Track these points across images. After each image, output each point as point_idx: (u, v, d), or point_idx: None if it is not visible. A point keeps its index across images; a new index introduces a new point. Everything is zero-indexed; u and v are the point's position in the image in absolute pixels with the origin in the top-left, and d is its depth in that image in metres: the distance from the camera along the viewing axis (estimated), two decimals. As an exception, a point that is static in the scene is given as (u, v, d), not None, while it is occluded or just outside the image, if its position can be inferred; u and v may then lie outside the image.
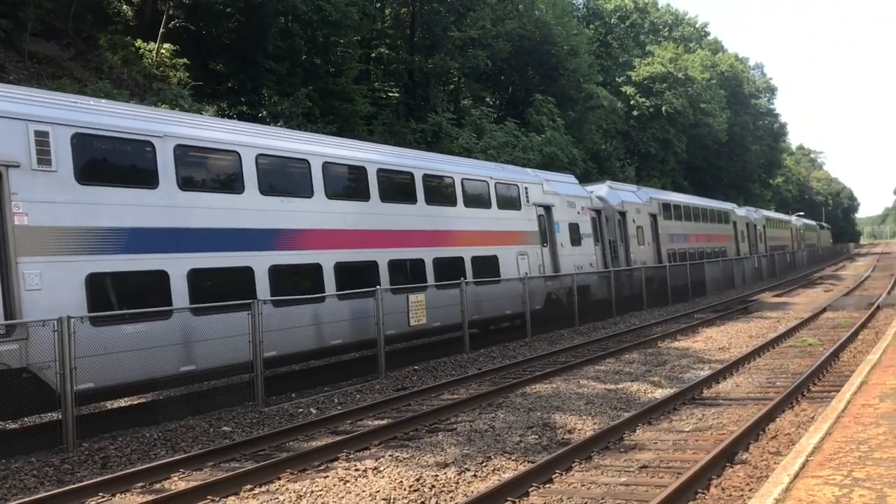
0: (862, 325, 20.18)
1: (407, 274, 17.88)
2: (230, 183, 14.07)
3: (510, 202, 22.23)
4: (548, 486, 8.01)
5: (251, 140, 14.68)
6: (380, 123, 32.88)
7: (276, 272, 14.27)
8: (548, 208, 23.92)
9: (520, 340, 20.79)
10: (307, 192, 15.47)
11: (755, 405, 11.39)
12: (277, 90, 27.30)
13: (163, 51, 25.15)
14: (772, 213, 67.57)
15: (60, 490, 8.44)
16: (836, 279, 46.72)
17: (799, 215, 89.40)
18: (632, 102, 58.25)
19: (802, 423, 9.95)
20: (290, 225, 14.84)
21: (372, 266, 16.71)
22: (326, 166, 16.01)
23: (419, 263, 18.27)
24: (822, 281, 44.96)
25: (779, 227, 65.12)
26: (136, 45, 24.80)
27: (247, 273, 13.78)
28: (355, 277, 16.03)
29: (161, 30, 25.26)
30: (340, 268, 15.72)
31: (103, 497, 8.36)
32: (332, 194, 16.05)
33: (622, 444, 9.55)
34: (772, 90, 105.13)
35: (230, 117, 25.50)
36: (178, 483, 8.88)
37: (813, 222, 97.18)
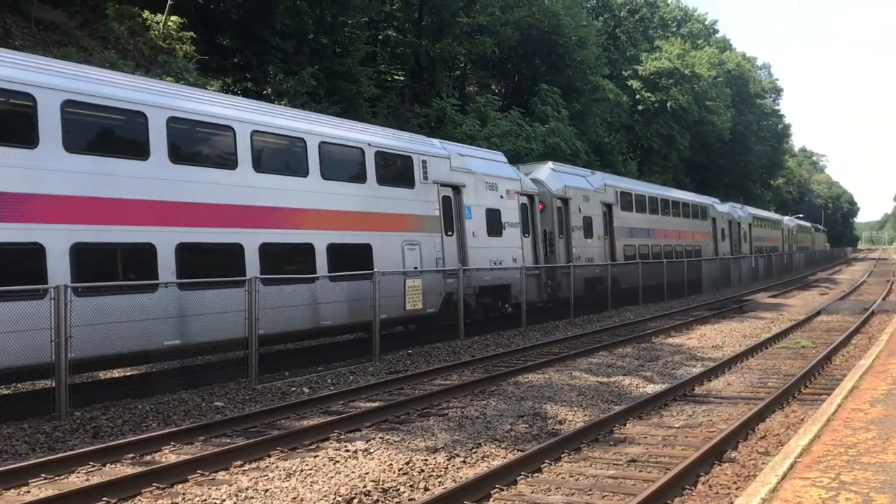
0: (856, 329, 20.23)
1: (214, 266, 13.26)
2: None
3: (398, 178, 17.87)
4: (536, 475, 8.05)
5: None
6: (384, 106, 32.76)
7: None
8: (457, 189, 19.66)
9: (514, 329, 20.83)
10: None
11: (746, 404, 11.44)
12: (283, 68, 27.17)
13: (170, 23, 24.99)
14: (761, 212, 63.12)
15: (51, 457, 8.48)
16: (831, 283, 46.82)
17: (798, 217, 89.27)
18: (637, 97, 58.15)
19: (792, 425, 9.99)
20: None
21: (148, 250, 12.26)
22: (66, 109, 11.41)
23: (235, 250, 13.59)
24: (817, 284, 45.04)
25: (768, 226, 61.07)
26: (144, 16, 24.65)
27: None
28: (114, 266, 12.17)
29: (169, 2, 25.08)
30: (78, 250, 11.37)
31: (93, 466, 8.39)
32: (72, 147, 11.46)
33: (612, 437, 9.59)
34: (777, 91, 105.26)
35: (235, 93, 25.40)
36: (168, 456, 8.92)
37: (808, 224, 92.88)
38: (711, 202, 45.02)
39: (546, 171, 26.09)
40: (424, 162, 18.66)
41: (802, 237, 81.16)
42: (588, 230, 27.37)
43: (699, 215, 41.43)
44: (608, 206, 29.35)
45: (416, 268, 17.73)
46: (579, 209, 26.74)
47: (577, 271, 25.30)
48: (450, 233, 19.35)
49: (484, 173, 21.04)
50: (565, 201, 25.94)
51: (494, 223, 21.22)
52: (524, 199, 23.18)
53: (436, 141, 20.68)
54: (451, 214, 19.52)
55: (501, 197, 21.62)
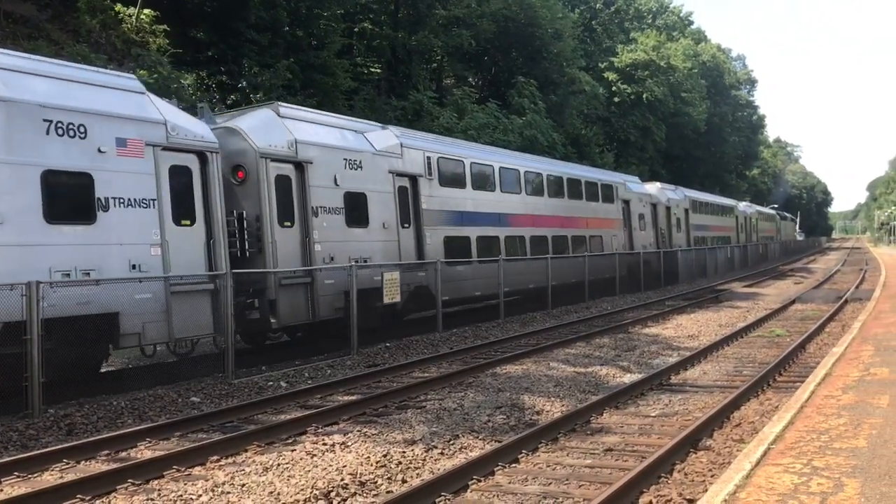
0: (829, 317, 20.46)
1: None
2: None
3: None
4: (514, 465, 8.08)
5: None
6: (361, 99, 32.64)
7: None
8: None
9: (493, 321, 20.86)
10: None
11: (721, 393, 11.54)
12: (258, 61, 26.98)
13: (143, 16, 24.70)
14: (704, 195, 51.78)
15: (24, 455, 8.39)
16: (806, 272, 47.30)
17: (773, 207, 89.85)
18: (613, 89, 58.38)
19: (766, 412, 10.09)
20: None
21: None
22: None
23: None
24: (792, 273, 45.49)
25: (714, 212, 50.75)
26: (116, 9, 24.32)
27: None
28: None
29: (141, -6, 24.80)
30: None
31: (68, 463, 8.31)
32: None
33: (589, 427, 9.64)
34: (752, 82, 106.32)
35: (209, 87, 25.20)
36: (144, 452, 8.86)
37: (771, 211, 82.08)
38: (623, 180, 34.84)
39: (261, 117, 16.00)
40: None
41: (764, 226, 71.21)
42: (357, 214, 17.43)
43: (600, 196, 31.01)
44: (411, 179, 19.43)
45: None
46: (336, 181, 16.81)
47: (327, 280, 15.97)
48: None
49: (35, 102, 11.17)
50: (299, 166, 15.93)
51: (70, 200, 11.64)
52: (185, 159, 13.39)
53: None
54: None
55: (101, 150, 11.91)
